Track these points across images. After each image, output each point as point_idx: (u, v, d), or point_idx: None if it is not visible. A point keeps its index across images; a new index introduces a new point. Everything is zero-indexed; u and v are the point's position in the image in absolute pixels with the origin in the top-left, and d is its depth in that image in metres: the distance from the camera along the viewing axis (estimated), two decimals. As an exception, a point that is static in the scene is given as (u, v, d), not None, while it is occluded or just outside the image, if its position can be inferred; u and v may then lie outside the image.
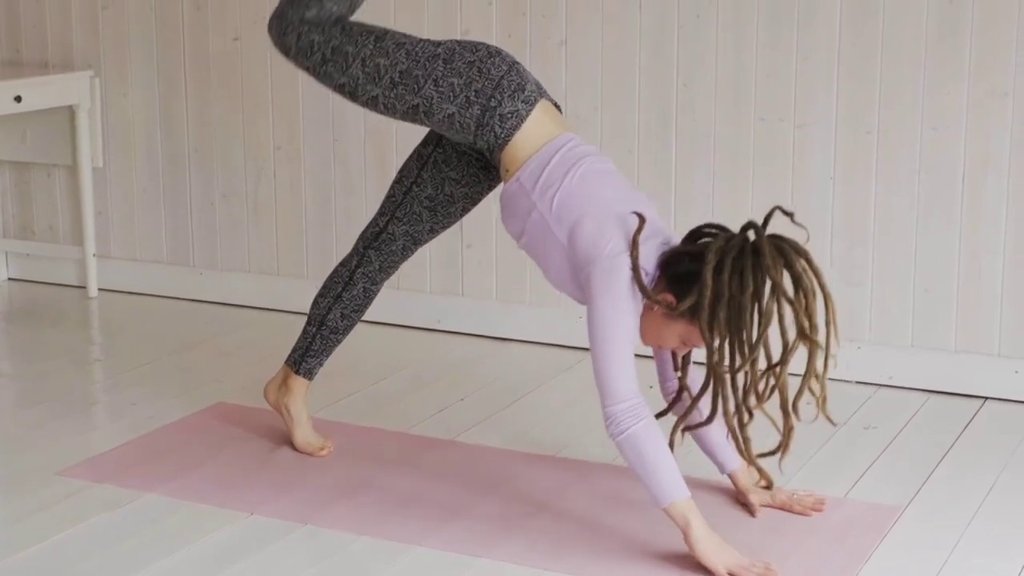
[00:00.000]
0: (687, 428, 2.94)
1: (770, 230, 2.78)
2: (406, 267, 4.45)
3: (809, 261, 2.77)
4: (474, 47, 2.98)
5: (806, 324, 2.73)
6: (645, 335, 2.89)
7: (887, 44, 3.74)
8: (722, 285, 2.72)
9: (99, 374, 4.07)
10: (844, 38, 3.78)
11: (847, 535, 2.91)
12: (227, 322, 4.53)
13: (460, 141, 3.03)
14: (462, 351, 4.18)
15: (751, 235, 2.77)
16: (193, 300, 4.76)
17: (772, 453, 2.88)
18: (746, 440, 2.86)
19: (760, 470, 2.97)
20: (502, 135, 2.93)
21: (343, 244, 4.51)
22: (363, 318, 4.54)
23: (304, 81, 4.48)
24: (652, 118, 4.01)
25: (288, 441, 3.40)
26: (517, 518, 3.01)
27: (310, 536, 2.94)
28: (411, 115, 2.99)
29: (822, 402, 2.79)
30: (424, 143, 3.20)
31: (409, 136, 4.35)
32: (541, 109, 2.98)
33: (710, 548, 2.74)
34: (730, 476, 3.06)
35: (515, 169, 2.94)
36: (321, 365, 3.35)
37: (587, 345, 2.84)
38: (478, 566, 2.81)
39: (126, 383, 3.92)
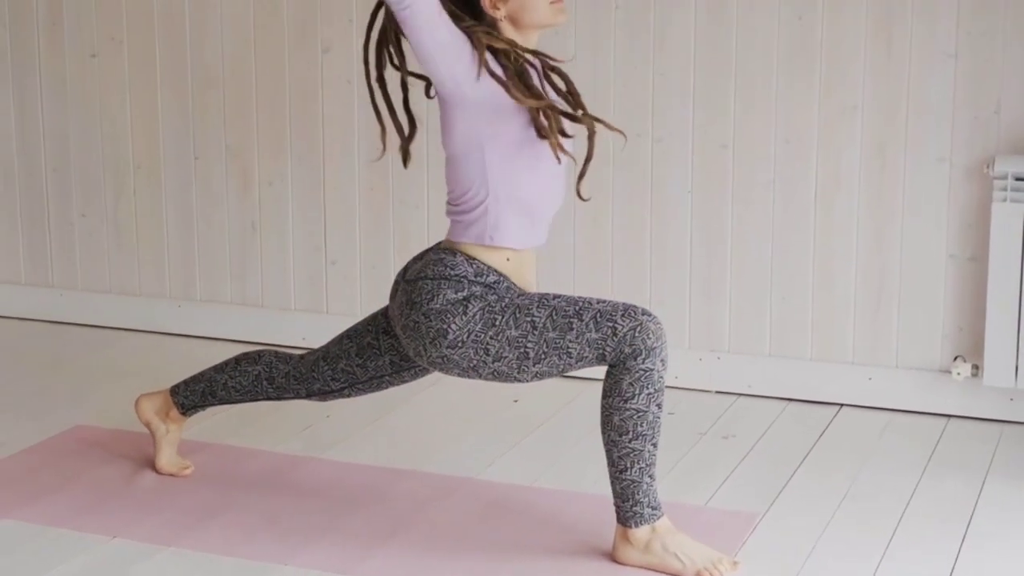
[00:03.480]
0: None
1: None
2: (269, 285, 4.43)
3: None
4: None
5: None
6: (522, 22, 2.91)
7: (740, 59, 3.82)
8: None
9: (-46, 399, 3.98)
10: (699, 53, 3.85)
11: (707, 543, 2.95)
12: (86, 343, 4.46)
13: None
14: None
15: None
16: (51, 322, 4.67)
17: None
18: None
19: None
20: None
21: (205, 263, 4.47)
22: (225, 335, 4.52)
23: (163, 99, 4.44)
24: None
25: (149, 463, 3.36)
26: (382, 535, 3.02)
27: (175, 558, 2.91)
28: None
29: None
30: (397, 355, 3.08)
31: (272, 154, 4.33)
32: None
33: None
34: None
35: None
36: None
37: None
38: (344, 583, 2.81)
39: (-18, 407, 3.84)
